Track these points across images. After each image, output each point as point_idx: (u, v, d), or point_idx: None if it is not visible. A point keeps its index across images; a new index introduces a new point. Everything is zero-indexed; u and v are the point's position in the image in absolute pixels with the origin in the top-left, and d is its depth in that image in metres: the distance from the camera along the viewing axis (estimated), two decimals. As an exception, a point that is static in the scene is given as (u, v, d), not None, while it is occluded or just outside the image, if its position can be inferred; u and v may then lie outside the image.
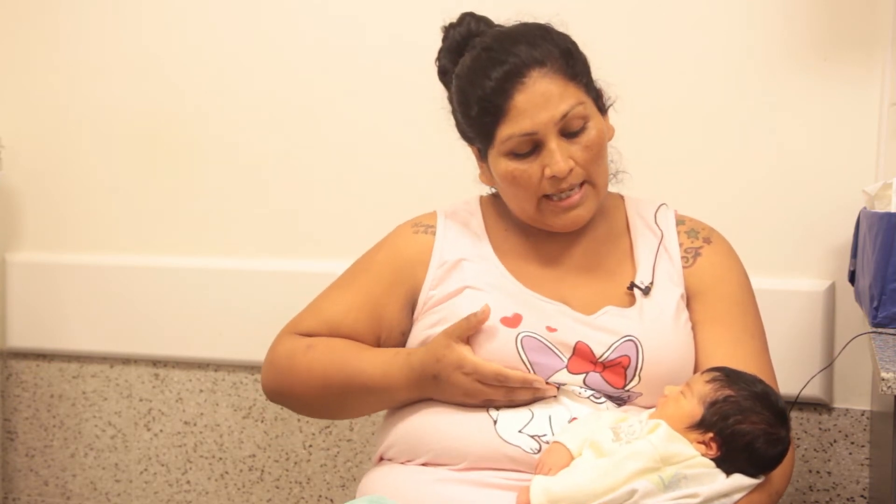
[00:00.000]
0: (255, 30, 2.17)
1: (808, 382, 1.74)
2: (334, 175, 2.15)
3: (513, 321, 1.39)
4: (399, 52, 2.07)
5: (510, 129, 1.40)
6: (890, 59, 1.80)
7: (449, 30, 1.53)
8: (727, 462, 1.25)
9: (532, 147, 1.41)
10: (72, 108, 2.29)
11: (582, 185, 1.43)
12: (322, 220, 2.16)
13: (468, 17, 1.52)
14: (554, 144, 1.39)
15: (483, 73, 1.41)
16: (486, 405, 1.37)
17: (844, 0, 1.83)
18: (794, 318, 1.87)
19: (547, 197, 1.43)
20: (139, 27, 2.24)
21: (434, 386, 1.38)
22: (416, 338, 1.48)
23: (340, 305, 1.53)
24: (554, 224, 1.46)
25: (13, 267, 2.35)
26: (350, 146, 2.13)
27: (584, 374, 1.37)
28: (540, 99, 1.38)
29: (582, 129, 1.41)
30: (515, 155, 1.42)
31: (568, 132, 1.40)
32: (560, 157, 1.38)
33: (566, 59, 1.42)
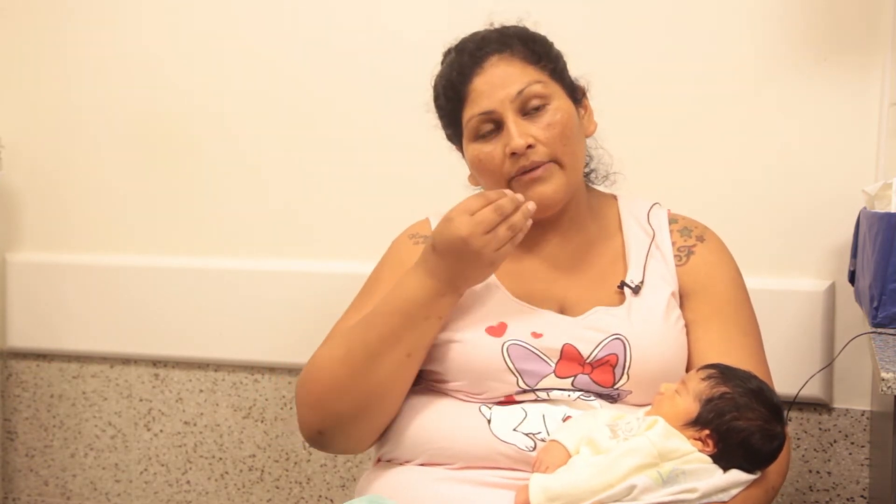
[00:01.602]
0: (255, 30, 2.17)
1: (807, 382, 1.74)
2: (334, 175, 2.15)
3: (497, 330, 1.39)
4: (399, 52, 2.07)
5: (471, 111, 1.44)
6: (890, 59, 1.80)
7: (446, 55, 1.55)
8: (724, 458, 1.24)
9: (494, 128, 1.44)
10: (72, 108, 2.30)
11: (548, 163, 1.43)
12: (322, 220, 2.16)
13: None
14: (511, 122, 1.41)
15: (450, 68, 1.48)
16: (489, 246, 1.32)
17: (844, 0, 1.83)
18: (793, 318, 1.87)
19: (516, 178, 1.44)
20: (139, 27, 2.24)
21: (435, 255, 1.34)
22: None
23: None
24: None
25: (13, 267, 2.35)
26: (350, 146, 2.13)
27: (572, 378, 1.37)
28: (497, 80, 1.43)
29: (542, 108, 1.43)
30: (479, 137, 1.45)
31: (527, 110, 1.43)
32: (516, 133, 1.40)
33: (527, 45, 1.46)
